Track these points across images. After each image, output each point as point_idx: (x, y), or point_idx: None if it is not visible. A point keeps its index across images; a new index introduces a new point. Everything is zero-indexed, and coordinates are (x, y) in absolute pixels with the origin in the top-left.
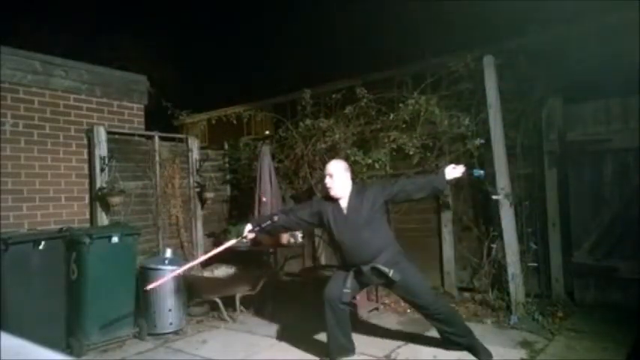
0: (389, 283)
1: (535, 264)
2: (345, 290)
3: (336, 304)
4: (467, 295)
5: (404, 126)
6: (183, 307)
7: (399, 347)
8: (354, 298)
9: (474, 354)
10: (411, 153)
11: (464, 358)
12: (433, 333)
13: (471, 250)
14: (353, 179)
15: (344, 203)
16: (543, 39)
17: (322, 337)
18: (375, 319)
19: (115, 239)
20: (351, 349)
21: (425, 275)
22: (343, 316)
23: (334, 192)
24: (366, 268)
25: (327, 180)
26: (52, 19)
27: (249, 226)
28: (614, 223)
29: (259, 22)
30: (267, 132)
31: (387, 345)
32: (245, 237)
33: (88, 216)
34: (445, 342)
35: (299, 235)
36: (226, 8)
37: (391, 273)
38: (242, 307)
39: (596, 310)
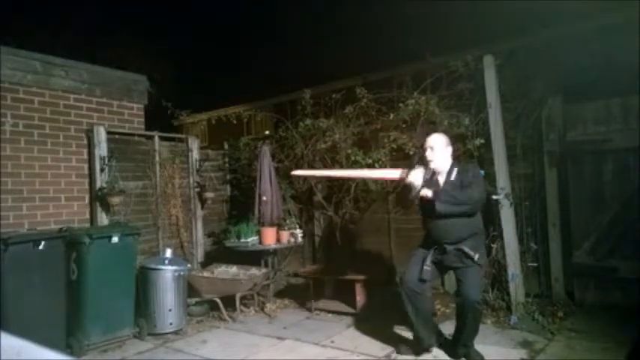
0: (466, 268)
1: (535, 264)
2: (426, 267)
3: (412, 289)
4: None
5: (404, 126)
6: (184, 307)
7: (399, 347)
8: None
9: None
10: (411, 153)
11: (463, 358)
12: None
13: None
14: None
15: (441, 178)
16: (543, 39)
17: (321, 338)
18: (376, 319)
19: (115, 239)
20: (431, 343)
21: None
22: (422, 304)
23: (434, 165)
24: (450, 248)
25: (428, 152)
26: (52, 19)
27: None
28: (614, 223)
29: (259, 22)
30: (267, 132)
31: (387, 345)
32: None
33: (88, 216)
34: (452, 346)
35: (299, 235)
36: (226, 8)
37: (477, 257)
38: (242, 307)
39: (596, 310)
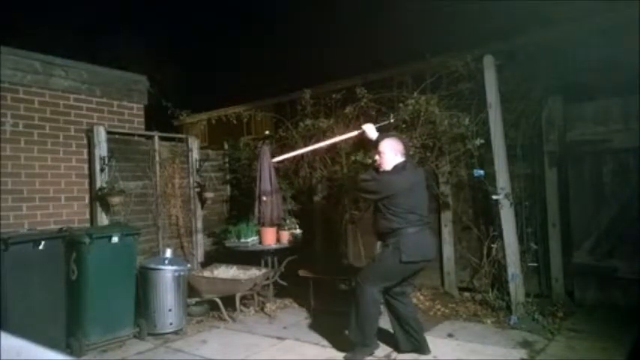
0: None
1: (535, 264)
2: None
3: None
4: (467, 295)
5: (404, 126)
6: (184, 307)
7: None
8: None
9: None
10: (411, 153)
11: (463, 358)
12: (433, 334)
13: (470, 250)
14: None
15: None
16: (543, 39)
17: (321, 338)
18: None
19: (115, 239)
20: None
21: (424, 275)
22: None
23: (382, 168)
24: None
25: (377, 157)
26: (52, 19)
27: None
28: (614, 223)
29: (259, 21)
30: (267, 132)
31: (387, 345)
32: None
33: (88, 216)
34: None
35: (299, 235)
36: (226, 8)
37: (378, 247)
38: (242, 307)
39: (596, 310)
